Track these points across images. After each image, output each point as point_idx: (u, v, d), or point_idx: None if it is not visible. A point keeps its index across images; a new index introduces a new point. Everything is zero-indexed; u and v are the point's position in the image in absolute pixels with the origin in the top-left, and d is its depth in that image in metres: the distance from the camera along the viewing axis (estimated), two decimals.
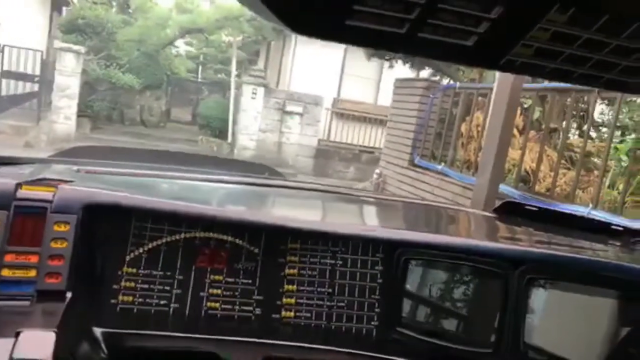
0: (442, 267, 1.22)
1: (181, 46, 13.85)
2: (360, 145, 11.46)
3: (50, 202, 1.03)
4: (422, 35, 0.39)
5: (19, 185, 1.04)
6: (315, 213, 1.53)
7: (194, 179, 1.57)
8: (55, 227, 1.01)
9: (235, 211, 1.26)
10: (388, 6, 0.39)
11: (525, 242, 1.50)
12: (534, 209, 1.61)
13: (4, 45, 9.81)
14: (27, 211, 1.01)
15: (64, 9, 13.42)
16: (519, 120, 4.71)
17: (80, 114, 10.06)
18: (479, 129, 4.94)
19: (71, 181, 1.15)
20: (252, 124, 10.86)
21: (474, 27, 0.38)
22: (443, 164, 5.23)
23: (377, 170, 6.37)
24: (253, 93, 10.68)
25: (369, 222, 1.54)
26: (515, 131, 4.62)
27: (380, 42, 0.42)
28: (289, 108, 10.91)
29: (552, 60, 0.43)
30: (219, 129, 11.32)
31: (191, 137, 11.58)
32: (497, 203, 1.67)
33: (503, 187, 4.13)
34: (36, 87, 10.49)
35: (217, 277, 1.15)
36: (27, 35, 10.78)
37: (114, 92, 10.89)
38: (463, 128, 5.25)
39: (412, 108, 5.80)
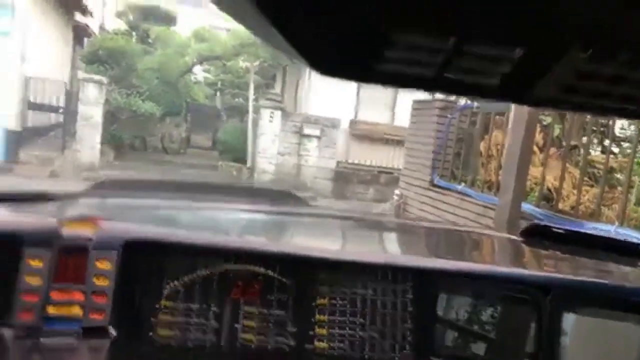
0: (473, 295, 1.22)
1: (199, 73, 14.14)
2: (379, 167, 11.47)
3: (92, 239, 1.07)
4: (448, 75, 0.41)
5: (61, 224, 1.09)
6: (344, 242, 1.55)
7: (222, 208, 1.61)
8: (97, 264, 1.05)
9: (266, 243, 1.29)
10: (416, 51, 0.42)
11: (554, 267, 1.50)
12: (561, 231, 1.61)
13: (29, 78, 10.14)
14: (70, 249, 1.05)
15: (86, 40, 13.85)
16: (538, 138, 4.69)
17: (104, 143, 10.29)
18: (499, 147, 4.93)
19: (108, 217, 1.20)
20: (270, 148, 10.97)
21: (498, 67, 0.41)
22: (463, 183, 5.22)
23: (397, 192, 6.37)
24: (270, 117, 10.83)
25: (396, 250, 1.56)
26: (535, 149, 4.60)
27: (407, 84, 0.45)
28: (306, 131, 11.01)
29: (577, 95, 0.45)
30: (238, 153, 11.46)
31: (211, 162, 11.74)
32: (521, 222, 1.67)
33: (526, 206, 4.10)
34: (61, 118, 10.77)
35: (250, 309, 1.18)
36: (51, 67, 11.13)
37: (136, 120, 11.13)
38: (482, 147, 5.24)
39: (430, 129, 5.82)
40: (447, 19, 0.39)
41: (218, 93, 15.01)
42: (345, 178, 11.27)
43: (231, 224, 1.50)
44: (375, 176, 11.32)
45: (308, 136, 11.06)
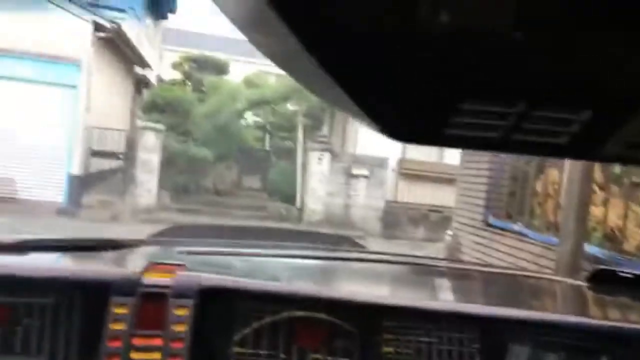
0: (540, 345, 1.20)
1: (249, 117, 14.62)
2: (428, 205, 11.34)
3: (170, 287, 1.14)
4: (515, 137, 0.41)
5: (142, 273, 1.16)
6: (407, 288, 1.56)
7: (284, 255, 1.66)
8: (176, 311, 1.11)
9: (331, 290, 1.32)
10: (484, 116, 0.44)
11: (624, 317, 1.45)
12: (629, 275, 1.56)
13: (93, 127, 10.81)
14: (151, 296, 1.12)
15: (145, 90, 14.67)
16: (598, 176, 4.54)
17: (160, 187, 10.73)
18: (556, 186, 4.80)
19: (182, 264, 1.27)
20: (319, 188, 11.10)
21: (567, 128, 0.41)
22: (520, 223, 5.09)
23: (450, 232, 6.27)
24: (319, 158, 11.00)
25: (460, 297, 1.55)
26: (594, 187, 4.45)
27: (475, 146, 0.47)
28: (354, 171, 11.09)
29: None
30: (288, 194, 11.64)
31: (261, 203, 11.97)
32: (583, 264, 1.62)
33: (588, 248, 3.94)
34: (121, 163, 11.35)
35: (316, 356, 1.20)
36: (113, 116, 11.83)
37: (190, 164, 11.58)
38: (538, 186, 5.12)
39: (483, 167, 5.75)
40: (515, 86, 0.42)
41: (267, 135, 15.42)
42: (394, 217, 11.19)
43: (295, 270, 1.55)
44: (425, 215, 11.18)
45: (356, 176, 11.13)
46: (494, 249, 5.24)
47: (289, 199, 11.55)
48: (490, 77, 0.39)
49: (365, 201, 11.16)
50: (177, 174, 11.47)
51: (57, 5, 9.59)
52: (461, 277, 1.78)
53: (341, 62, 0.37)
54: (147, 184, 10.50)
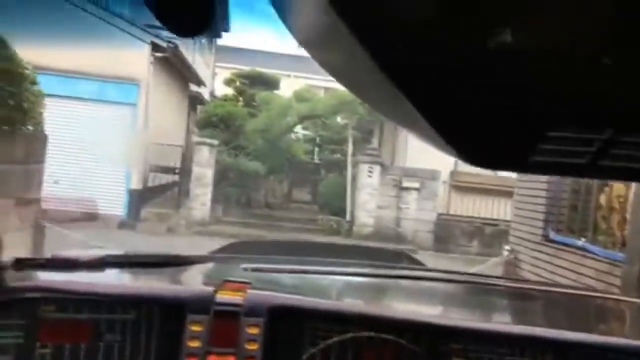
0: None
1: (299, 130, 14.79)
2: (483, 218, 11.06)
3: (242, 305, 1.17)
4: (602, 163, 0.41)
5: (215, 291, 1.20)
6: (468, 309, 1.53)
7: (344, 273, 1.67)
8: (248, 329, 1.14)
9: (398, 311, 1.32)
10: (571, 142, 0.43)
11: None
12: None
13: (151, 144, 11.26)
14: (224, 314, 1.16)
15: (199, 107, 15.16)
16: None
17: (213, 200, 11.01)
18: (621, 200, 4.58)
19: (249, 282, 1.30)
20: (369, 201, 11.05)
21: None
22: (583, 239, 4.87)
23: (507, 247, 6.08)
24: (369, 171, 10.97)
25: (528, 319, 1.51)
26: None
27: (561, 171, 0.47)
28: (405, 184, 10.98)
29: None
30: (338, 207, 11.65)
31: (311, 216, 12.04)
32: None
33: None
34: (177, 178, 11.74)
35: None
36: (169, 132, 12.28)
37: (242, 178, 11.83)
38: (602, 199, 4.89)
39: (542, 179, 5.56)
40: (603, 112, 0.41)
41: (317, 149, 15.53)
42: (446, 231, 10.98)
43: (358, 288, 1.55)
44: (479, 228, 10.90)
45: (407, 189, 11.02)
46: (556, 265, 5.03)
47: (339, 212, 11.56)
48: (577, 104, 0.39)
49: (417, 214, 11.01)
50: (230, 187, 11.74)
51: (118, 28, 10.11)
52: (524, 297, 1.73)
53: (423, 90, 0.37)
54: (201, 197, 10.80)
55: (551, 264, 5.14)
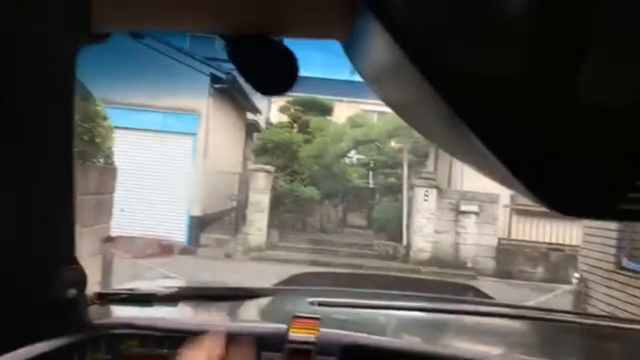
0: None
1: (353, 155, 14.84)
2: (547, 243, 10.58)
3: (314, 343, 1.18)
4: None
5: (288, 328, 1.22)
6: (540, 350, 1.46)
7: (412, 308, 1.64)
8: None
9: (475, 352, 1.28)
10: None
11: None
12: None
13: (210, 171, 11.64)
14: (297, 352, 1.17)
15: (255, 134, 15.56)
16: None
17: (269, 225, 11.17)
18: None
19: (318, 318, 1.31)
20: (426, 226, 10.85)
21: None
22: None
23: (577, 274, 5.78)
24: (425, 195, 10.80)
25: None
26: None
27: None
28: (463, 207, 10.72)
29: None
30: (393, 232, 11.52)
31: (367, 241, 11.94)
32: None
33: None
34: (234, 204, 12.03)
35: None
36: (228, 160, 12.65)
37: (297, 203, 11.96)
38: None
39: None
40: None
41: (371, 173, 15.50)
42: (508, 256, 10.57)
43: (427, 325, 1.52)
44: (544, 254, 10.43)
45: (465, 213, 10.75)
46: (630, 294, 4.72)
47: (395, 236, 11.42)
48: None
49: (476, 239, 10.69)
50: (285, 212, 11.88)
51: (180, 62, 10.62)
52: (601, 335, 1.63)
53: (505, 139, 0.37)
54: (258, 223, 10.98)
55: (625, 293, 4.83)
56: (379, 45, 0.35)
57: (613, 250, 5.14)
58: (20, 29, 0.33)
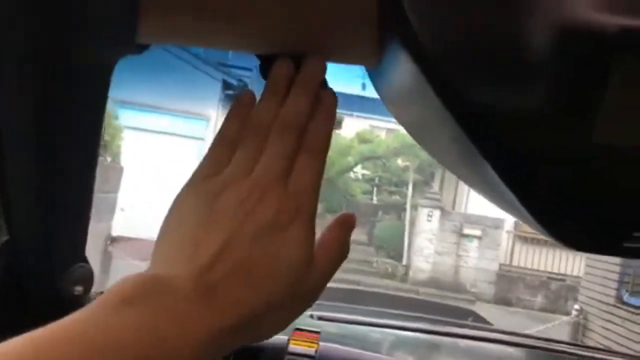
0: None
1: (358, 170, 14.82)
2: (549, 272, 10.50)
3: (314, 357, 1.18)
4: None
5: (289, 340, 1.22)
6: None
7: (411, 329, 1.63)
8: None
9: None
10: None
11: None
12: None
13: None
14: None
15: None
16: None
17: None
18: None
19: (318, 332, 1.31)
20: (427, 247, 10.81)
21: None
22: None
23: (577, 306, 5.73)
24: (429, 216, 10.77)
25: None
26: None
27: None
28: (466, 231, 10.68)
29: None
30: (394, 250, 11.46)
31: (366, 257, 11.88)
32: None
33: None
34: None
35: None
36: None
37: None
38: None
39: None
40: None
41: (375, 189, 15.46)
42: (508, 282, 10.49)
43: (426, 347, 1.52)
44: (544, 282, 10.34)
45: (468, 236, 10.70)
46: (630, 330, 4.68)
47: (395, 255, 11.36)
48: None
49: (477, 263, 10.63)
50: None
51: (193, 66, 10.71)
52: None
53: (520, 174, 0.37)
54: None
55: (624, 328, 4.78)
56: (404, 72, 0.37)
57: (615, 285, 5.10)
58: (68, 42, 0.35)
